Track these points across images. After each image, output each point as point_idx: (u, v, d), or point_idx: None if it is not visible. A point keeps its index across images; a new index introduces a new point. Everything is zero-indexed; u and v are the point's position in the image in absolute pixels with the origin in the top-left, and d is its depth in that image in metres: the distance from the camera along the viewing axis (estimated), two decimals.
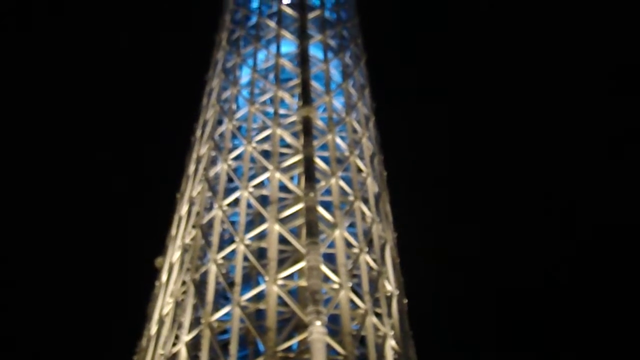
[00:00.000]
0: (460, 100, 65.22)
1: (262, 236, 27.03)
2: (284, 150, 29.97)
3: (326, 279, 25.46)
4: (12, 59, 63.08)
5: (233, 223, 27.81)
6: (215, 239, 27.34)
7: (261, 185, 28.81)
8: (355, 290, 25.93)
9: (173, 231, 30.52)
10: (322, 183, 28.32)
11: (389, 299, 26.96)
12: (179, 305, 26.92)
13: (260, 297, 25.56)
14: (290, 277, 25.94)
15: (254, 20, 36.26)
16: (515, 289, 55.40)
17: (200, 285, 26.42)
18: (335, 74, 33.84)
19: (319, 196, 27.39)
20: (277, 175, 28.20)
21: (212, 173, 30.02)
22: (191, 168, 31.97)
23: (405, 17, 64.70)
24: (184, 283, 27.39)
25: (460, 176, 61.32)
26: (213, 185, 29.47)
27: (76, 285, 54.87)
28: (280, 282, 25.13)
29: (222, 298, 26.16)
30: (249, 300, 25.46)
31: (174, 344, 25.79)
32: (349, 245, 27.08)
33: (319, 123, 30.69)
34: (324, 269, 25.25)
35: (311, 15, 35.46)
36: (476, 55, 66.21)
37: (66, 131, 63.39)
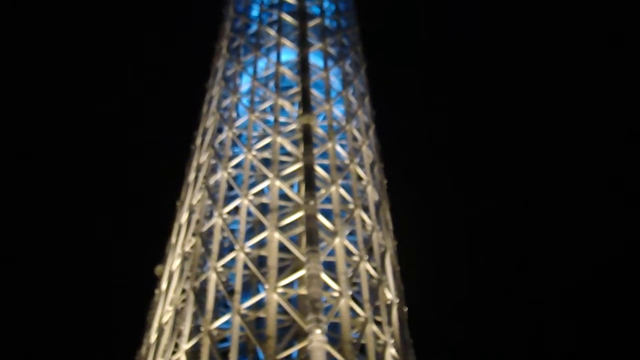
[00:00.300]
0: (461, 107, 65.39)
1: (262, 244, 27.01)
2: (284, 158, 29.97)
3: (326, 287, 25.43)
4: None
5: (233, 231, 27.78)
6: (215, 247, 27.32)
7: (261, 193, 28.80)
8: (356, 298, 25.89)
9: (173, 239, 30.49)
10: (322, 191, 28.30)
11: (389, 307, 26.91)
12: (178, 313, 26.87)
13: (260, 305, 25.50)
14: (290, 285, 25.91)
15: (254, 28, 36.34)
16: (518, 296, 55.51)
17: (200, 294, 26.37)
18: (336, 82, 33.87)
19: (319, 204, 27.37)
20: (277, 183, 28.19)
21: (212, 181, 30.02)
22: (191, 176, 31.96)
23: (405, 24, 64.80)
24: (183, 291, 27.35)
25: (461, 183, 61.35)
26: (213, 193, 29.45)
27: (76, 293, 54.86)
28: (280, 290, 25.10)
29: (222, 306, 26.11)
30: (249, 308, 25.41)
31: (174, 353, 25.74)
32: (349, 253, 27.05)
33: (319, 131, 30.71)
34: (324, 277, 25.22)
35: (311, 23, 35.54)
36: (478, 63, 66.43)
37: (67, 137, 63.60)
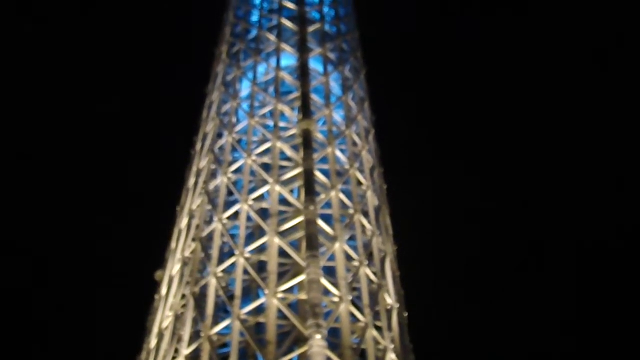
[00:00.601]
0: (462, 112, 65.45)
1: (262, 249, 27.01)
2: (284, 164, 29.96)
3: (326, 292, 25.41)
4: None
5: (233, 236, 27.77)
6: (215, 252, 27.31)
7: (261, 198, 28.82)
8: (356, 303, 25.89)
9: (173, 244, 30.50)
10: (322, 196, 28.30)
11: (389, 312, 26.90)
12: (178, 318, 26.85)
13: (260, 310, 25.48)
14: (290, 290, 25.92)
15: (254, 33, 36.37)
16: (516, 302, 55.45)
17: (200, 299, 26.36)
18: (335, 87, 33.90)
19: (319, 209, 27.38)
20: (277, 188, 28.20)
21: (212, 186, 30.02)
22: (191, 181, 31.97)
23: (405, 29, 64.89)
24: (183, 296, 27.34)
25: (462, 188, 61.36)
26: (213, 199, 29.46)
27: (76, 298, 54.82)
28: (280, 295, 25.09)
29: (222, 311, 26.10)
30: (249, 313, 25.40)
31: (174, 358, 25.73)
32: (349, 258, 27.05)
33: (319, 136, 30.74)
34: (324, 282, 25.21)
35: (311, 28, 35.59)
36: (478, 66, 66.52)
37: (68, 139, 63.64)
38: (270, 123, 31.33)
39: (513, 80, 65.05)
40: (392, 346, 25.67)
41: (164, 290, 29.05)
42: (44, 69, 65.73)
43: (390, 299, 27.48)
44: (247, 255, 26.62)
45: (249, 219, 28.05)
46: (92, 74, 65.74)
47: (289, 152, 30.02)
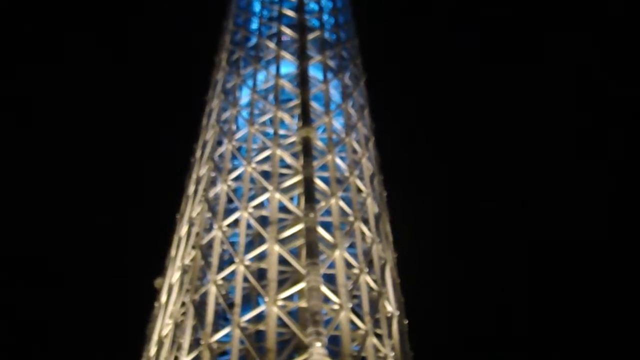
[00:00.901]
0: (461, 119, 65.53)
1: (262, 257, 26.98)
2: (284, 171, 29.97)
3: (326, 299, 25.38)
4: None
5: (233, 244, 27.75)
6: (214, 260, 27.29)
7: (261, 205, 28.80)
8: (356, 311, 25.84)
9: (172, 252, 30.47)
10: (322, 203, 28.29)
11: (389, 319, 26.87)
12: (178, 326, 26.80)
13: (260, 318, 25.43)
14: (290, 298, 25.88)
15: (253, 41, 36.44)
16: (518, 302, 55.44)
17: (199, 306, 26.32)
18: (335, 95, 33.93)
19: (318, 217, 27.37)
20: (277, 195, 28.19)
21: (211, 194, 30.02)
22: (191, 189, 31.97)
23: (404, 37, 65.03)
24: (183, 304, 27.30)
25: (462, 194, 61.40)
26: (213, 206, 29.45)
27: (76, 305, 54.73)
28: (280, 303, 25.07)
29: (221, 319, 26.05)
30: (249, 321, 25.36)
31: None
32: (349, 265, 27.02)
33: (319, 144, 30.75)
34: (324, 289, 25.18)
35: (311, 36, 35.65)
36: (477, 73, 66.62)
37: (68, 146, 63.73)
38: (270, 130, 31.35)
39: (512, 87, 65.23)
40: (393, 354, 25.64)
41: (163, 297, 29.01)
42: (50, 71, 66.05)
43: (390, 307, 27.45)
44: (247, 262, 26.60)
45: (248, 226, 28.04)
46: (95, 77, 66.05)
47: (289, 160, 30.02)
